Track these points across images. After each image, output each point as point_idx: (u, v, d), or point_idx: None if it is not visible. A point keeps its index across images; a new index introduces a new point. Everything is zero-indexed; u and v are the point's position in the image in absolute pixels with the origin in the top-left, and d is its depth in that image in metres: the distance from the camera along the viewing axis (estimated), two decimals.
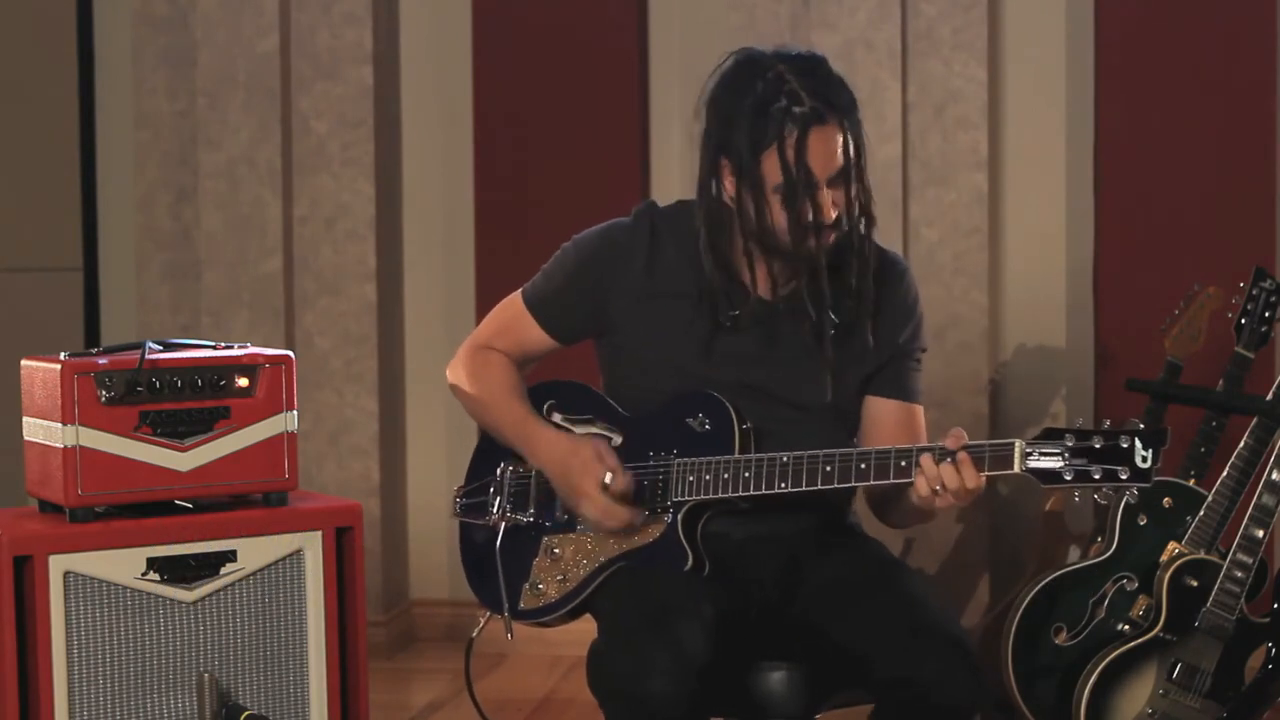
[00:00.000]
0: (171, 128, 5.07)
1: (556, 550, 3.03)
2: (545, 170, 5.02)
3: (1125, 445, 2.73)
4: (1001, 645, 3.85)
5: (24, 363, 3.20)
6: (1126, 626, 3.79)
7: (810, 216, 2.88)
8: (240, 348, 3.21)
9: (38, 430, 3.15)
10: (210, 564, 3.12)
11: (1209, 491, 3.79)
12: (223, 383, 3.15)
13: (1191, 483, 3.91)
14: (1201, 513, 3.78)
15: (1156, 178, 4.70)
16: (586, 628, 2.96)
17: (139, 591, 3.08)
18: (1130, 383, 4.09)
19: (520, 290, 3.17)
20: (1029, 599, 3.86)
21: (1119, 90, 4.73)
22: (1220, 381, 3.96)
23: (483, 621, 3.15)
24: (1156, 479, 2.74)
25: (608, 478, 2.93)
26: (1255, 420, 3.77)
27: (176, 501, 3.17)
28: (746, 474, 2.90)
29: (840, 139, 2.90)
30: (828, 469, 2.86)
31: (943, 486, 2.78)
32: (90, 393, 3.07)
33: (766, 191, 2.90)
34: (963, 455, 2.78)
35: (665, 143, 4.97)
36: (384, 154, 5.04)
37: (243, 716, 3.09)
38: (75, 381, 3.06)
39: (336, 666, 3.20)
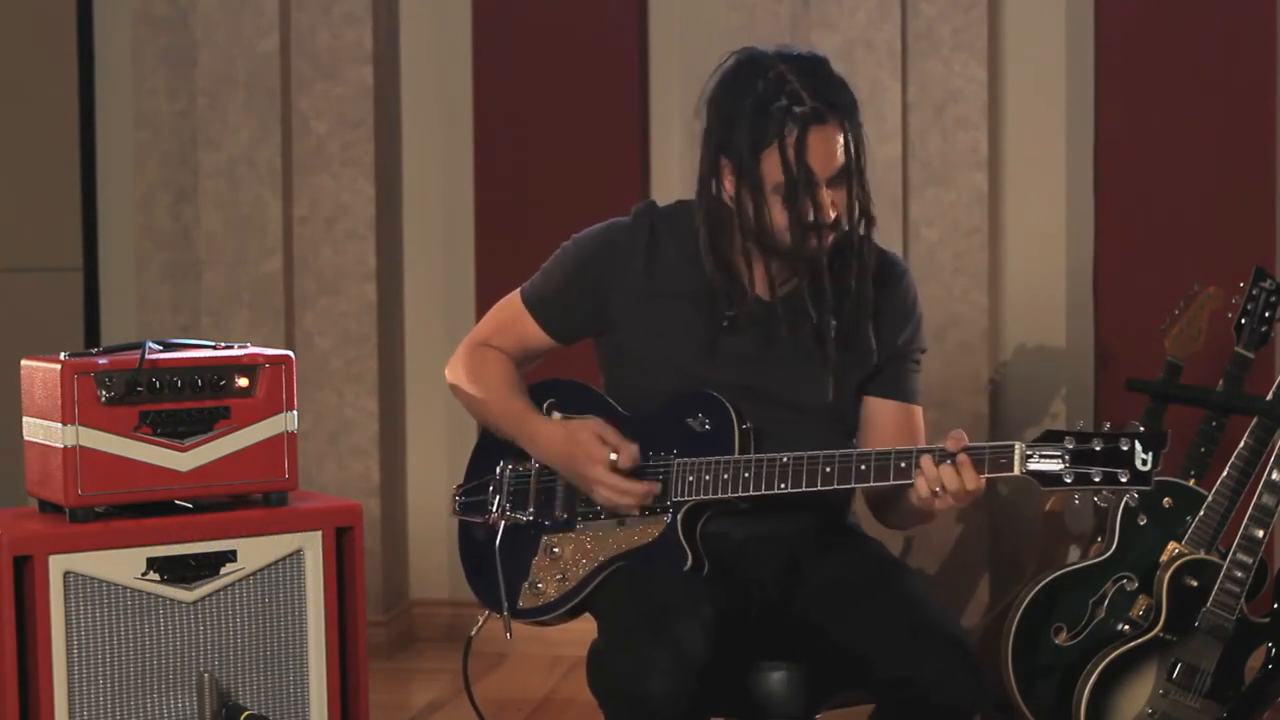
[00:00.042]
0: (171, 128, 5.07)
1: (556, 549, 3.04)
2: (545, 170, 5.02)
3: (1125, 448, 2.73)
4: (1001, 645, 3.85)
5: (24, 363, 3.20)
6: (1126, 626, 3.79)
7: (810, 216, 2.89)
8: (240, 348, 3.21)
9: (38, 430, 3.15)
10: (210, 564, 3.12)
11: (1209, 491, 3.79)
12: (223, 383, 3.15)
13: (1191, 483, 3.91)
14: (1201, 513, 3.78)
15: (1156, 178, 4.70)
16: (586, 627, 2.96)
17: (139, 591, 3.08)
18: (1130, 383, 4.09)
19: (519, 289, 3.17)
20: (1029, 599, 3.86)
21: (1119, 90, 4.73)
22: (1220, 381, 3.96)
23: (481, 620, 3.15)
24: (1156, 479, 2.74)
25: (612, 455, 2.93)
26: (1255, 420, 3.77)
27: (176, 501, 3.17)
28: (746, 474, 2.90)
29: (841, 139, 2.90)
30: (827, 470, 2.86)
31: (942, 488, 2.78)
32: (90, 393, 3.07)
33: (766, 191, 2.90)
34: (963, 457, 2.78)
35: (665, 143, 4.97)
36: (384, 154, 5.04)
37: (243, 716, 3.09)
38: (75, 381, 3.06)
39: (336, 666, 3.20)
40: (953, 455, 2.78)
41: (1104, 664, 3.74)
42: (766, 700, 2.94)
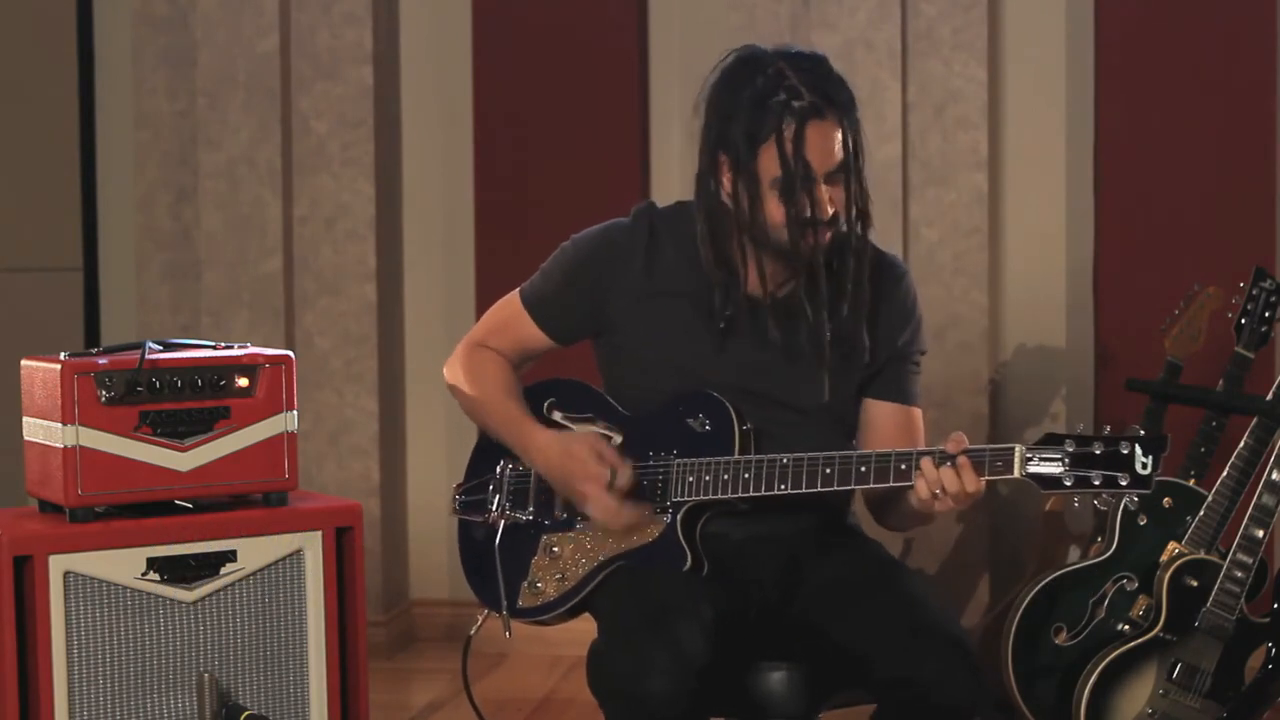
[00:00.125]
0: (171, 128, 5.07)
1: (555, 549, 3.03)
2: (545, 170, 5.02)
3: (1125, 451, 2.73)
4: (1001, 645, 3.85)
5: (24, 363, 3.20)
6: (1126, 626, 3.79)
7: (807, 212, 2.88)
8: (240, 348, 3.21)
9: (38, 430, 3.15)
10: (210, 564, 3.12)
11: (1209, 491, 3.79)
12: (223, 383, 3.15)
13: (1191, 483, 3.91)
14: (1201, 513, 3.78)
15: (1156, 178, 4.70)
16: (586, 627, 2.96)
17: (139, 591, 3.08)
18: (1130, 383, 4.09)
19: (518, 289, 3.17)
20: (1029, 599, 3.86)
21: (1119, 90, 4.73)
22: (1220, 381, 3.96)
23: (480, 620, 3.15)
24: (1156, 481, 2.74)
25: (609, 475, 2.93)
26: (1255, 420, 3.77)
27: (176, 501, 3.17)
28: (746, 475, 2.90)
29: (839, 135, 2.90)
30: (828, 471, 2.86)
31: (942, 490, 2.78)
32: (90, 393, 3.07)
33: (763, 186, 2.90)
34: (963, 459, 2.78)
35: (665, 143, 4.97)
36: (384, 154, 5.04)
37: (243, 716, 3.09)
38: (75, 381, 3.06)
39: (336, 666, 3.20)
40: (953, 457, 2.78)
41: (1104, 664, 3.74)
42: (766, 700, 2.94)
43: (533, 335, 3.14)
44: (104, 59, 5.25)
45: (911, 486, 2.81)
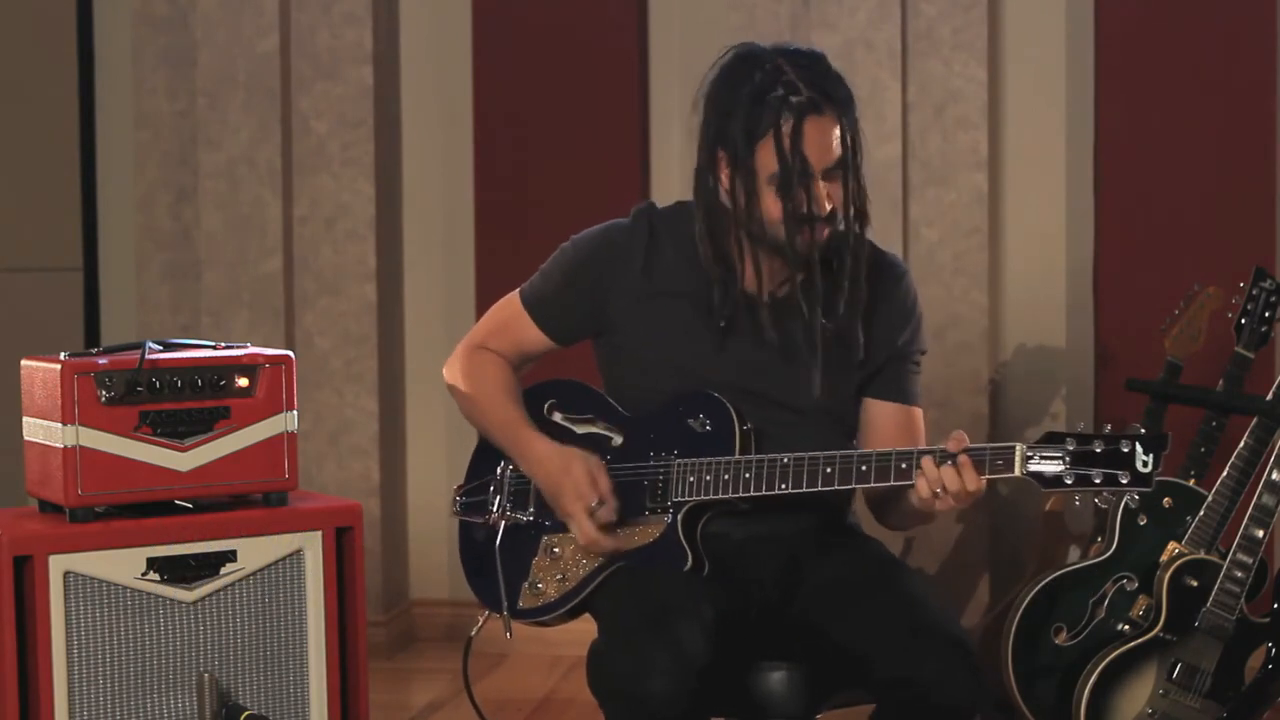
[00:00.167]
0: (171, 128, 5.07)
1: (556, 549, 3.03)
2: (545, 170, 5.02)
3: (1126, 450, 2.73)
4: (1001, 645, 3.85)
5: (24, 363, 3.20)
6: (1126, 626, 3.79)
7: (805, 208, 2.88)
8: (240, 348, 3.21)
9: (38, 430, 3.15)
10: (210, 564, 3.12)
11: (1209, 491, 3.79)
12: (223, 383, 3.15)
13: (1191, 483, 3.91)
14: (1201, 513, 3.78)
15: (1156, 178, 4.70)
16: (586, 627, 2.96)
17: (139, 591, 3.08)
18: (1130, 383, 4.09)
19: (518, 290, 3.17)
20: (1029, 599, 3.86)
21: (1119, 90, 4.73)
22: (1220, 381, 3.96)
23: (481, 620, 3.15)
24: (1156, 480, 2.74)
25: (595, 502, 2.94)
26: (1255, 420, 3.77)
27: (176, 501, 3.17)
28: (747, 475, 2.90)
29: (837, 131, 2.90)
30: (828, 470, 2.86)
31: (943, 489, 2.78)
32: (90, 393, 3.07)
33: (760, 182, 2.90)
34: (963, 458, 2.78)
35: (665, 143, 4.97)
36: (384, 154, 5.04)
37: (243, 716, 3.09)
38: (75, 381, 3.06)
39: (336, 666, 3.20)
40: (953, 456, 2.78)
41: (1104, 664, 3.74)
42: (766, 700, 2.94)
43: (532, 336, 3.14)
44: (104, 59, 5.25)
45: (912, 485, 2.81)
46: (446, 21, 5.09)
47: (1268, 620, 3.78)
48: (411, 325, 5.18)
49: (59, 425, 3.06)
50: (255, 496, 3.22)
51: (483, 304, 4.87)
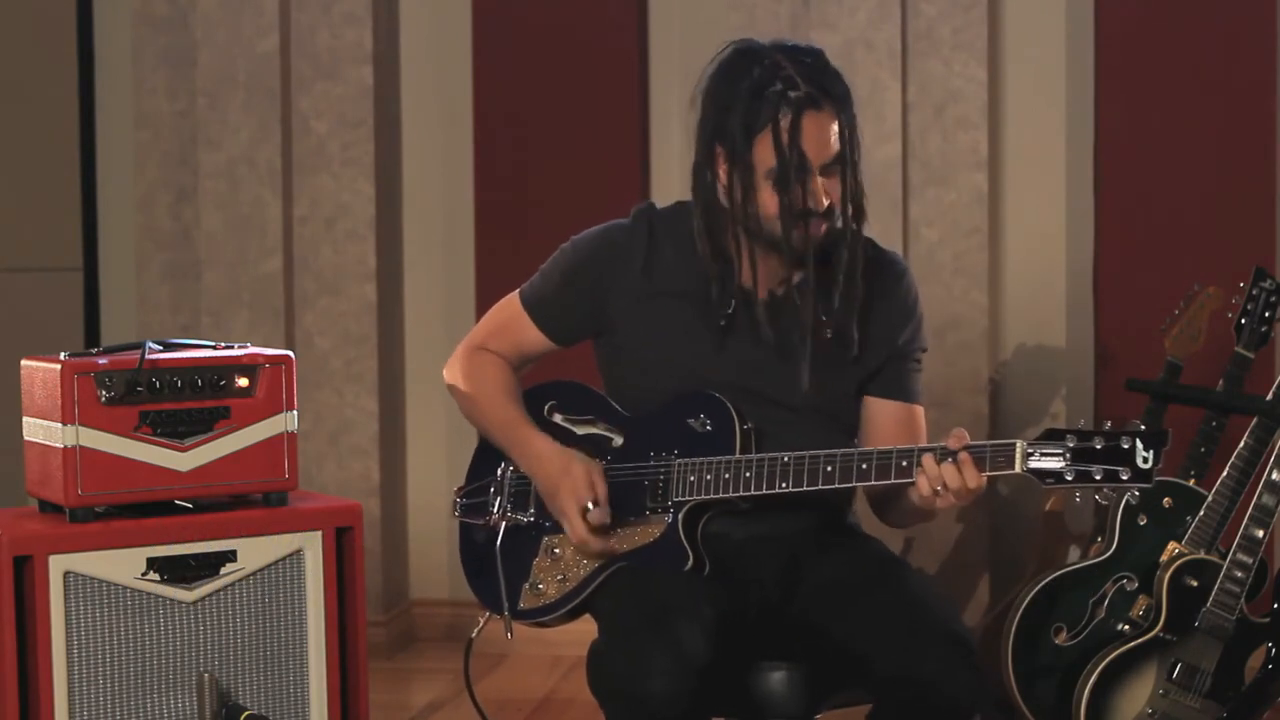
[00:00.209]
0: (171, 128, 5.08)
1: (557, 550, 3.03)
2: (545, 170, 5.02)
3: (1126, 446, 2.73)
4: (1001, 645, 3.85)
5: (24, 363, 3.20)
6: (1126, 626, 3.79)
7: (801, 203, 2.88)
8: (240, 348, 3.21)
9: (38, 430, 3.15)
10: (210, 564, 3.12)
11: (1209, 491, 3.79)
12: (223, 383, 3.15)
13: (1191, 483, 3.91)
14: (1201, 513, 3.78)
15: (1156, 178, 4.70)
16: (586, 628, 2.96)
17: (139, 591, 3.08)
18: (1130, 383, 4.09)
19: (518, 290, 3.17)
20: (1029, 599, 3.86)
21: (1119, 90, 4.73)
22: (1220, 381, 3.96)
23: (482, 621, 3.15)
24: (1156, 479, 2.74)
25: (590, 504, 2.94)
26: (1255, 420, 3.77)
27: (176, 501, 3.17)
28: (747, 474, 2.90)
29: (835, 127, 2.90)
30: (829, 469, 2.86)
31: (944, 486, 2.78)
32: (90, 393, 3.07)
33: (758, 177, 2.90)
34: (964, 455, 2.78)
35: (665, 143, 4.97)
36: (384, 154, 5.04)
37: (243, 716, 3.09)
38: (75, 381, 3.06)
39: (336, 666, 3.20)
40: (954, 453, 2.78)
41: (1104, 664, 3.74)
42: (766, 700, 2.94)
43: (532, 336, 3.14)
44: (104, 59, 5.25)
45: (913, 483, 2.81)
46: (446, 21, 5.10)
47: (1268, 620, 3.78)
48: (411, 325, 5.18)
49: (59, 425, 3.06)
50: (255, 496, 3.21)
51: (483, 304, 4.88)
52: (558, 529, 3.03)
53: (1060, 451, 2.75)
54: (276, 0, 4.93)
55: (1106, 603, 3.83)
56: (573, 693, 4.60)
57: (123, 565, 3.06)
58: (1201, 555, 3.76)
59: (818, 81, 2.89)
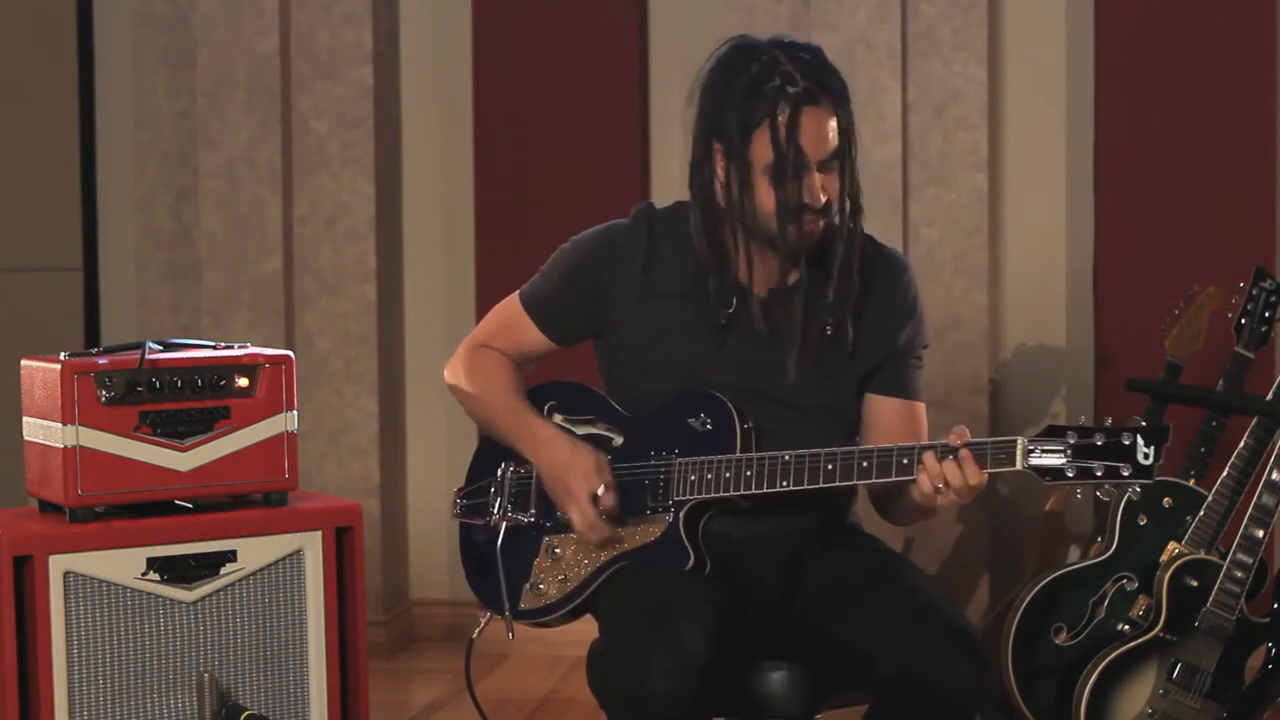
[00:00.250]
0: (171, 128, 5.08)
1: (558, 550, 3.03)
2: (545, 170, 5.02)
3: (1127, 442, 2.73)
4: (1001, 645, 3.85)
5: (24, 363, 3.20)
6: (1126, 626, 3.79)
7: (798, 198, 2.88)
8: (240, 348, 3.21)
9: (38, 430, 3.15)
10: (210, 564, 3.12)
11: (1209, 491, 3.79)
12: (223, 383, 3.15)
13: (1191, 483, 3.91)
14: (1201, 513, 3.78)
15: (1156, 178, 4.70)
16: (587, 628, 2.96)
17: (139, 591, 3.08)
18: (1130, 383, 4.09)
19: (518, 291, 3.17)
20: (1029, 599, 3.86)
21: (1119, 90, 4.73)
22: (1220, 381, 3.96)
23: (483, 622, 3.15)
24: (1156, 478, 2.74)
25: (600, 490, 2.93)
26: (1255, 420, 3.77)
27: (176, 501, 3.17)
28: (748, 473, 2.90)
29: (833, 123, 2.90)
30: (829, 467, 2.86)
31: (945, 484, 2.78)
32: (90, 393, 3.07)
33: (755, 173, 2.89)
34: (965, 452, 2.77)
35: (665, 143, 4.97)
36: (384, 154, 5.04)
37: (243, 716, 3.09)
38: (75, 381, 3.06)
39: (336, 666, 3.20)
40: (955, 450, 2.78)
41: (1104, 664, 3.74)
42: (767, 701, 2.94)
43: (533, 336, 3.14)
44: (104, 59, 5.25)
45: (914, 481, 2.81)
46: (446, 21, 5.10)
47: (1268, 620, 3.78)
48: (411, 325, 5.18)
49: (59, 425, 3.06)
50: (255, 496, 3.21)
51: (483, 304, 4.88)
52: (558, 529, 3.03)
53: (1061, 448, 2.75)
54: (276, 0, 4.93)
55: (1106, 603, 3.83)
56: (573, 693, 4.60)
57: (123, 565, 3.07)
58: (1201, 555, 3.76)
59: (816, 77, 2.89)
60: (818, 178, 2.89)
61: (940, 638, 2.77)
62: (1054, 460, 2.75)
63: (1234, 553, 3.70)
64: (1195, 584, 3.74)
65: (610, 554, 2.98)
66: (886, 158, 4.66)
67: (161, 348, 3.16)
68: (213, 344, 3.24)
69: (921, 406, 3.08)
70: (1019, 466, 2.76)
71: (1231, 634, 3.71)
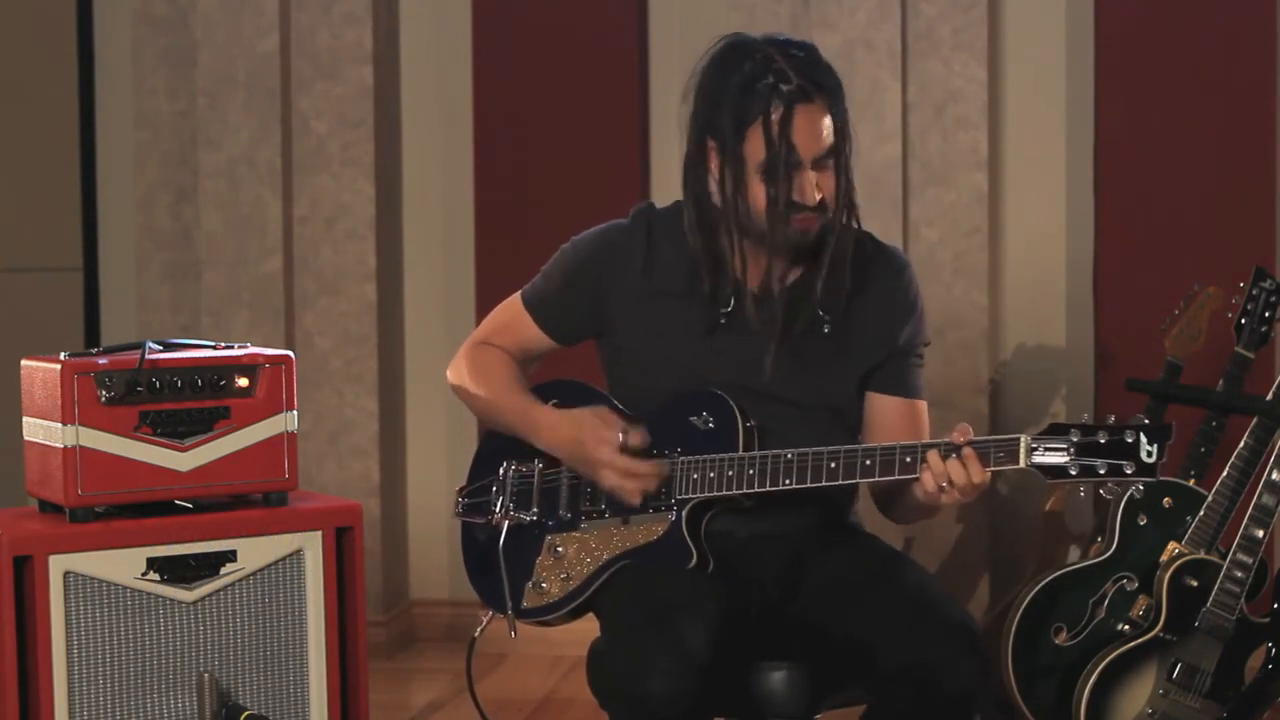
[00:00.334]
0: (171, 128, 5.08)
1: (560, 549, 3.03)
2: (545, 170, 5.02)
3: (1131, 440, 2.73)
4: (1001, 645, 3.85)
5: (24, 363, 3.20)
6: (1126, 626, 3.79)
7: (789, 196, 2.87)
8: (240, 348, 3.21)
9: (38, 430, 3.15)
10: (210, 564, 3.12)
11: (1209, 491, 3.79)
12: (223, 383, 3.15)
13: (1191, 483, 3.91)
14: (1201, 513, 3.78)
15: (1156, 178, 4.70)
16: (587, 627, 2.96)
17: (139, 591, 3.08)
18: (1130, 383, 4.09)
19: (520, 291, 3.17)
20: (1029, 599, 3.86)
21: (1119, 90, 4.73)
22: (1220, 381, 3.96)
23: (485, 621, 3.15)
24: (1159, 478, 2.74)
25: (622, 435, 2.92)
26: (1255, 420, 3.77)
27: (176, 501, 3.17)
28: (751, 471, 2.90)
29: (827, 120, 2.89)
30: (833, 466, 2.85)
31: (949, 482, 2.78)
32: (90, 393, 3.07)
33: (748, 170, 2.89)
34: (968, 450, 2.77)
35: (665, 143, 4.96)
36: (384, 154, 5.04)
37: (243, 716, 3.09)
38: (75, 381, 3.06)
39: (336, 666, 3.20)
40: (958, 448, 2.78)
41: (1104, 664, 3.74)
42: (767, 700, 2.94)
43: (534, 336, 3.14)
44: (104, 59, 5.25)
45: (917, 479, 2.81)
46: (446, 21, 5.10)
47: (1268, 620, 3.78)
48: (411, 325, 5.18)
49: (59, 425, 3.06)
50: (255, 496, 3.22)
51: (482, 304, 4.88)
52: (561, 528, 3.04)
53: (1065, 446, 2.75)
54: (276, 0, 4.93)
55: (1106, 603, 3.83)
56: (573, 693, 4.60)
57: (123, 565, 3.07)
58: (1201, 555, 3.76)
59: (809, 75, 2.89)
60: (812, 175, 2.89)
61: (942, 634, 2.77)
62: (1057, 458, 2.75)
63: (1234, 553, 3.70)
64: (1195, 584, 3.74)
65: (613, 552, 2.98)
66: (886, 158, 4.66)
67: (161, 348, 3.16)
68: (213, 344, 3.24)
69: (923, 405, 3.07)
70: (1022, 464, 2.76)
71: (1231, 634, 3.71)
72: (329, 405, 4.99)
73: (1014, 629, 3.84)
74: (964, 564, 4.71)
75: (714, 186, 2.95)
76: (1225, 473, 3.76)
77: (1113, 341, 4.73)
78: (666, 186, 4.87)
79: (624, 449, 2.93)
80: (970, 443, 2.78)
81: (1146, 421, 2.76)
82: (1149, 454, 2.73)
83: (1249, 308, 3.91)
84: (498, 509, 3.09)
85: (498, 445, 3.15)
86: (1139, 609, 3.80)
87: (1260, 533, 3.69)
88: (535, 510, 3.07)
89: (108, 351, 3.14)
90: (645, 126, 5.00)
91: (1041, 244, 4.79)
